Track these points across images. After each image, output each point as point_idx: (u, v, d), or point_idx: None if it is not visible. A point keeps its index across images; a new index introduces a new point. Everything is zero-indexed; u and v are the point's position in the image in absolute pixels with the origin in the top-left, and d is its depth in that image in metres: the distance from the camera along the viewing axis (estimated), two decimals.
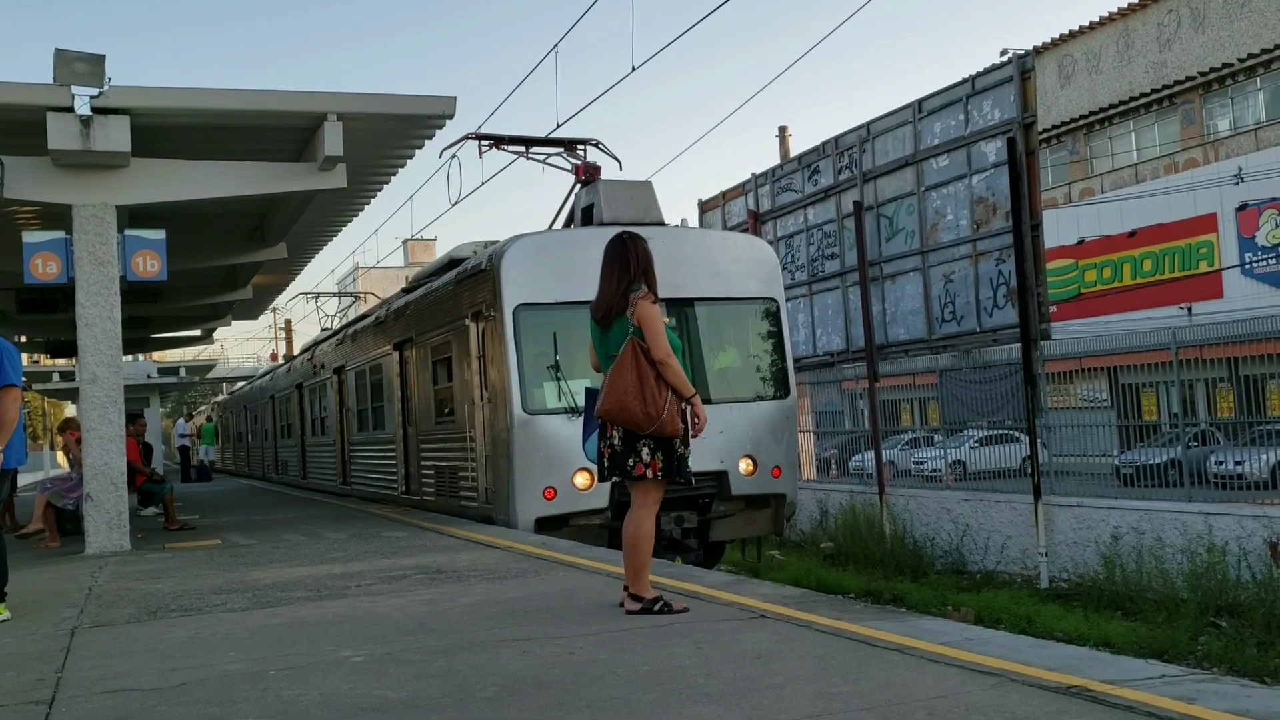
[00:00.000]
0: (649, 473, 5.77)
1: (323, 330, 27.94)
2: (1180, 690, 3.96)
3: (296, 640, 5.77)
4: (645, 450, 5.75)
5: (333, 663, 5.14)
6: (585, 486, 10.74)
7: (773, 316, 12.41)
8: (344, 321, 27.25)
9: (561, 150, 13.52)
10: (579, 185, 12.93)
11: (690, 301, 11.81)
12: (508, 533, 10.94)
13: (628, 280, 5.93)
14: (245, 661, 5.27)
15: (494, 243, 12.85)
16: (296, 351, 39.74)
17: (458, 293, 12.76)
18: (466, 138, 13.93)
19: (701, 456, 10.57)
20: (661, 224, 12.15)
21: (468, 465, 12.62)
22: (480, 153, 13.72)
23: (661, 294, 10.77)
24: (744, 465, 11.65)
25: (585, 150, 13.41)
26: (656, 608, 5.82)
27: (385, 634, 5.81)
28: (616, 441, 5.81)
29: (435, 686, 4.55)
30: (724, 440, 11.44)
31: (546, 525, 10.87)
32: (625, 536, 5.90)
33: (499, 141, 13.76)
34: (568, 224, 13.03)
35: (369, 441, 17.94)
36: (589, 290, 10.29)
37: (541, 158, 13.70)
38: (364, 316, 19.38)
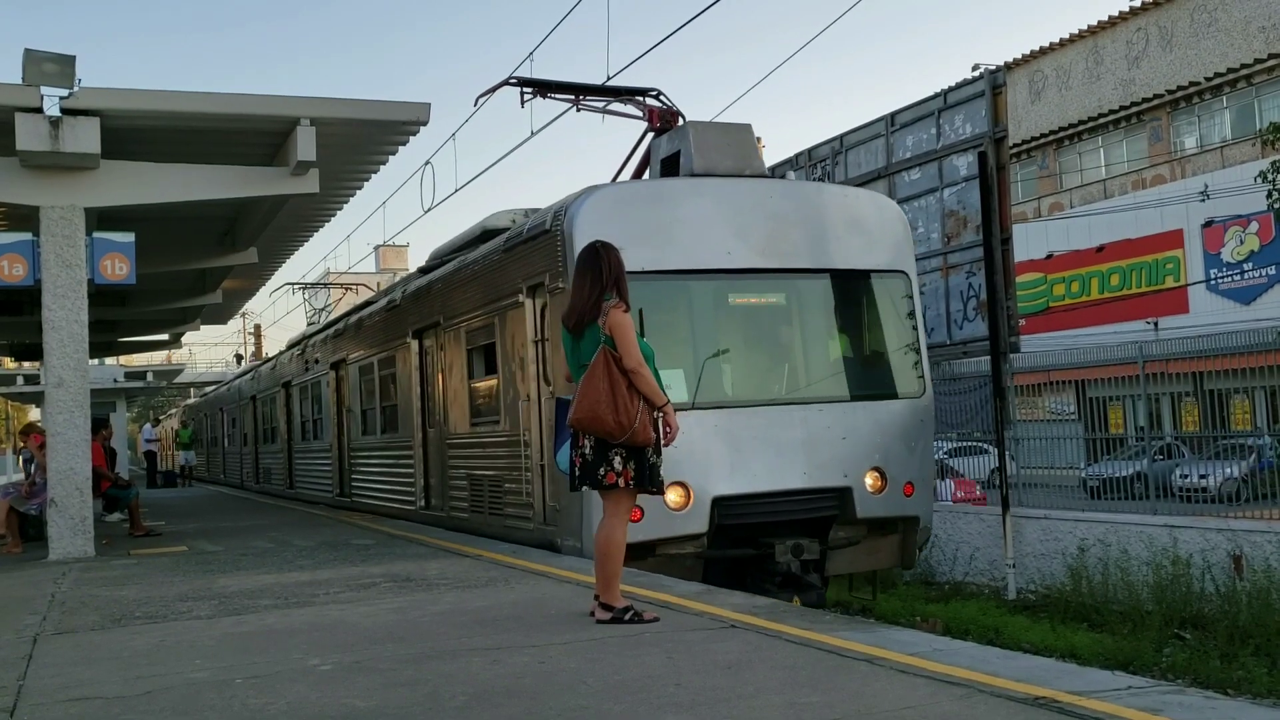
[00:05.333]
0: (621, 481, 5.77)
1: (309, 324, 26.47)
2: (1146, 701, 3.99)
3: (263, 648, 5.73)
4: (617, 459, 5.75)
5: (300, 671, 5.10)
6: (679, 505, 8.66)
7: (904, 294, 10.13)
8: (331, 315, 24.74)
9: (613, 100, 11.61)
10: (652, 134, 11.02)
11: (800, 273, 9.65)
12: (478, 540, 10.80)
13: (600, 289, 5.94)
14: (211, 670, 5.22)
15: (535, 210, 10.95)
16: (269, 353, 39.06)
17: (506, 263, 10.53)
18: (507, 83, 11.80)
19: (821, 468, 9.11)
20: (765, 175, 10.31)
21: (519, 477, 10.31)
22: (522, 101, 11.69)
23: (767, 263, 9.35)
24: (870, 480, 9.45)
25: (645, 100, 11.43)
26: (627, 617, 5.81)
27: (353, 642, 5.77)
28: (588, 451, 5.81)
29: (404, 695, 4.53)
30: (848, 448, 9.37)
31: (631, 553, 9.01)
32: (596, 545, 5.91)
33: (545, 88, 11.69)
34: (637, 176, 11.22)
35: (377, 447, 15.57)
36: (682, 255, 9.04)
37: (599, 105, 11.74)
38: (368, 303, 16.89)
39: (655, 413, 5.81)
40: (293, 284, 30.03)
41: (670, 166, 10.23)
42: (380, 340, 15.05)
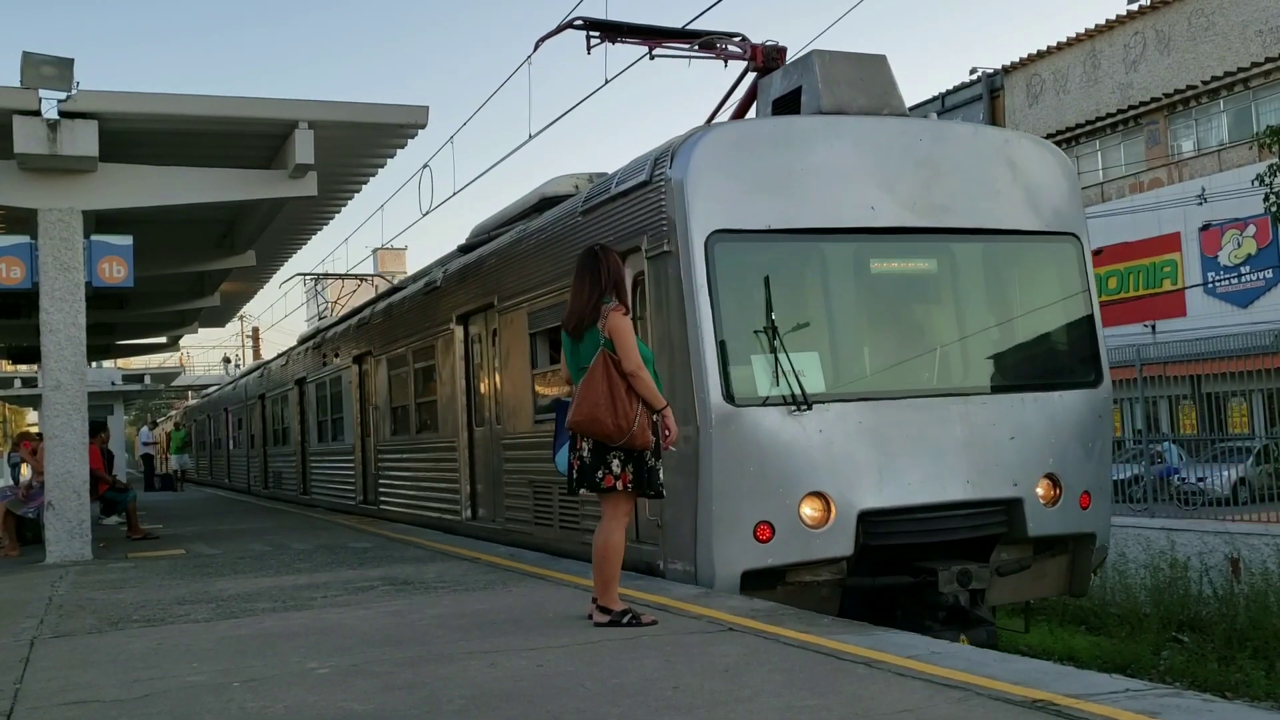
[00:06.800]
0: (619, 485, 5.78)
1: (319, 318, 25.54)
2: (1144, 705, 4.00)
3: (261, 651, 5.72)
4: (615, 462, 5.76)
5: (298, 674, 5.10)
6: (817, 521, 7.17)
7: (1075, 262, 8.42)
8: (331, 315, 23.25)
9: (694, 47, 10.03)
10: (753, 74, 9.45)
11: (956, 234, 8.00)
12: (475, 544, 10.78)
13: (599, 292, 5.95)
14: (209, 673, 5.22)
15: (601, 175, 9.56)
16: (265, 356, 38.81)
17: (585, 228, 8.81)
18: (571, 24, 10.14)
19: (986, 476, 7.61)
20: (904, 115, 8.56)
21: None
22: (589, 47, 10.08)
23: (917, 221, 7.79)
24: (1042, 489, 7.84)
25: (725, 46, 9.82)
26: (625, 620, 5.82)
27: (351, 645, 5.76)
28: (586, 453, 5.82)
29: (402, 698, 4.53)
30: (1016, 451, 7.76)
31: (757, 581, 7.17)
32: (595, 548, 5.91)
33: (615, 31, 9.97)
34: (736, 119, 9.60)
35: (411, 448, 14.05)
36: (817, 210, 7.54)
37: (679, 51, 10.08)
38: (397, 289, 15.43)
39: (654, 416, 5.82)
40: (304, 274, 28.39)
41: (786, 107, 8.54)
42: (415, 328, 13.54)
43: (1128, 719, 3.79)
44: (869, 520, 7.27)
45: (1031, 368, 8.31)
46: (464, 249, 12.63)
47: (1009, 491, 7.68)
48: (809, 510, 7.16)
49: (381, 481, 15.38)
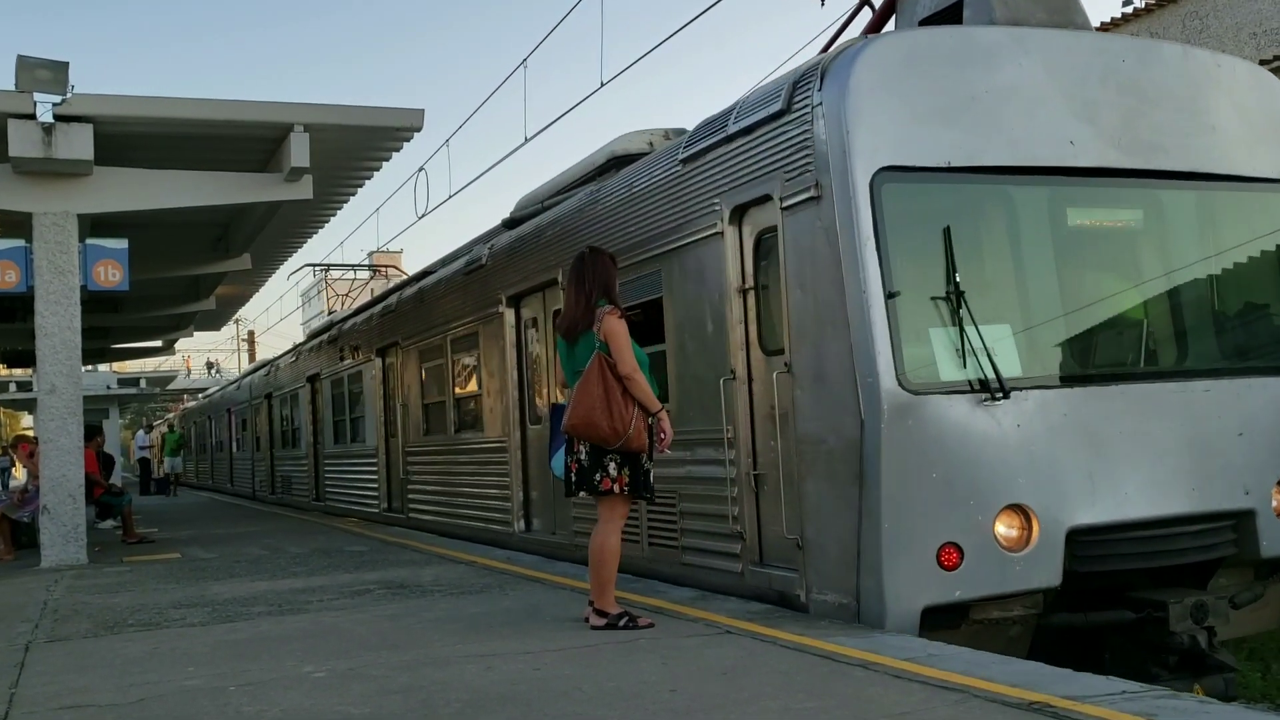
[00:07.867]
0: (616, 488, 5.79)
1: (330, 312, 25.00)
2: (1140, 706, 4.00)
3: (257, 655, 5.72)
4: (612, 465, 5.78)
5: (294, 678, 5.09)
6: (1015, 542, 5.70)
7: None
8: (328, 317, 22.19)
9: None
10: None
11: (1168, 179, 6.53)
12: (473, 547, 10.76)
13: (589, 296, 5.97)
14: (205, 677, 5.21)
15: (679, 131, 8.48)
16: (259, 359, 38.63)
17: (687, 179, 7.31)
18: None
19: (1214, 482, 6.14)
20: (1088, 29, 6.97)
21: (712, 493, 7.07)
22: None
23: (1125, 161, 6.36)
24: (1277, 499, 6.33)
25: None
26: (622, 623, 5.82)
27: (348, 649, 5.76)
28: (583, 456, 5.82)
29: (398, 702, 4.52)
30: (1247, 449, 6.25)
31: (939, 619, 5.70)
32: (591, 551, 5.91)
33: None
34: None
35: (446, 450, 12.57)
36: (1007, 144, 6.13)
37: None
38: (426, 273, 14.06)
39: (649, 419, 5.83)
40: (313, 265, 27.05)
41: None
42: (454, 314, 12.04)
43: None
44: (1078, 541, 5.84)
45: (1257, 346, 6.80)
46: (510, 223, 11.17)
47: (1240, 501, 6.19)
48: (1005, 529, 5.70)
49: (411, 488, 13.96)
